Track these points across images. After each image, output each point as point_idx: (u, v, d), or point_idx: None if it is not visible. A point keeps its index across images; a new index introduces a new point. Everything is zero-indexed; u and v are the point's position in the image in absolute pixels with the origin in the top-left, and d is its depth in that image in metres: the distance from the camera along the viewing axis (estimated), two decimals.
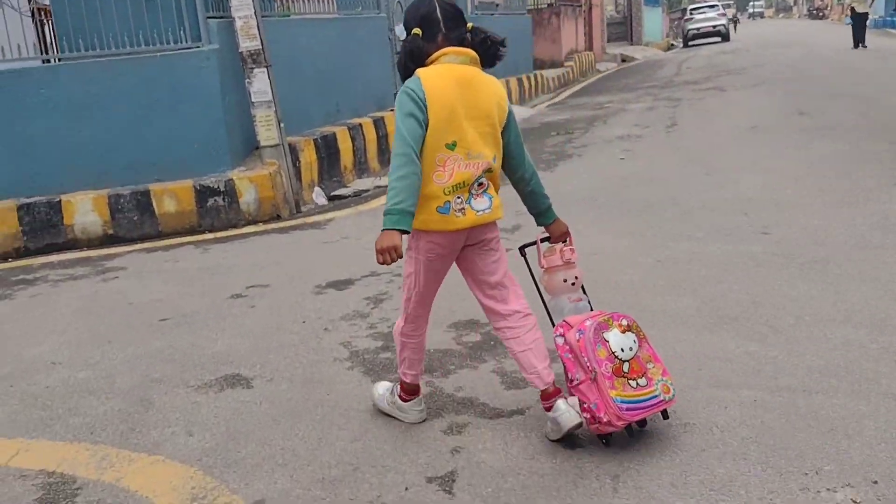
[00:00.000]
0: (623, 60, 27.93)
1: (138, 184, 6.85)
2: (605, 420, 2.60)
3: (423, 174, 2.53)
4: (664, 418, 2.75)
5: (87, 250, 6.50)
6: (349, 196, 8.11)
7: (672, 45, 38.84)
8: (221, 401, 3.34)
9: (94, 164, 6.81)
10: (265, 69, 7.20)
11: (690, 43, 35.75)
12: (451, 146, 2.55)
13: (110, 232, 6.73)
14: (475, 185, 2.60)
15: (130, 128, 6.86)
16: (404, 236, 2.48)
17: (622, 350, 2.64)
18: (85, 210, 6.71)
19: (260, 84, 7.24)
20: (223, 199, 6.85)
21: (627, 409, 2.58)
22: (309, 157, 7.93)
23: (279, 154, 7.33)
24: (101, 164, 6.82)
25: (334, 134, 8.48)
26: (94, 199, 6.71)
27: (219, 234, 6.52)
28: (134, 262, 5.93)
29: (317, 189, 8.07)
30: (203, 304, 4.64)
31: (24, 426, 3.24)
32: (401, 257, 2.46)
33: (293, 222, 6.71)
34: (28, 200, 6.63)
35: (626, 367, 2.63)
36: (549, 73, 18.29)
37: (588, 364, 2.63)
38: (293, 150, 7.61)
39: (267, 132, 7.30)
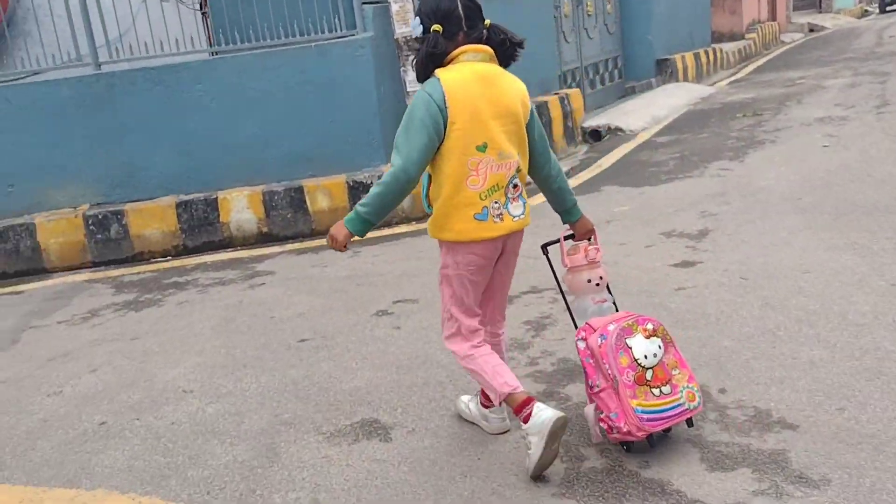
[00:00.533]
0: (811, 30, 25.30)
1: (292, 179, 6.57)
2: (624, 430, 2.48)
3: (455, 181, 2.43)
4: (689, 426, 2.60)
5: (240, 249, 6.28)
6: None
7: (866, 11, 34.99)
8: (355, 457, 2.81)
9: (248, 159, 6.59)
10: None
11: (888, 8, 32.00)
12: (482, 148, 2.43)
13: (265, 230, 6.49)
14: (510, 188, 2.50)
15: (284, 121, 6.57)
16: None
17: (645, 357, 2.50)
18: (240, 207, 6.51)
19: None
20: None
21: (649, 420, 2.46)
22: None
23: None
24: (255, 160, 6.59)
25: None
26: (248, 195, 6.49)
27: (370, 234, 6.06)
28: (282, 265, 5.61)
29: None
30: (346, 323, 4.17)
31: (140, 476, 2.86)
32: (343, 249, 2.54)
33: None
34: (186, 198, 6.50)
35: (649, 374, 2.50)
36: (729, 47, 16.69)
37: (609, 372, 2.50)
38: None
39: None
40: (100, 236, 6.40)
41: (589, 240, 2.79)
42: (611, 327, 2.55)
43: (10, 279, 6.25)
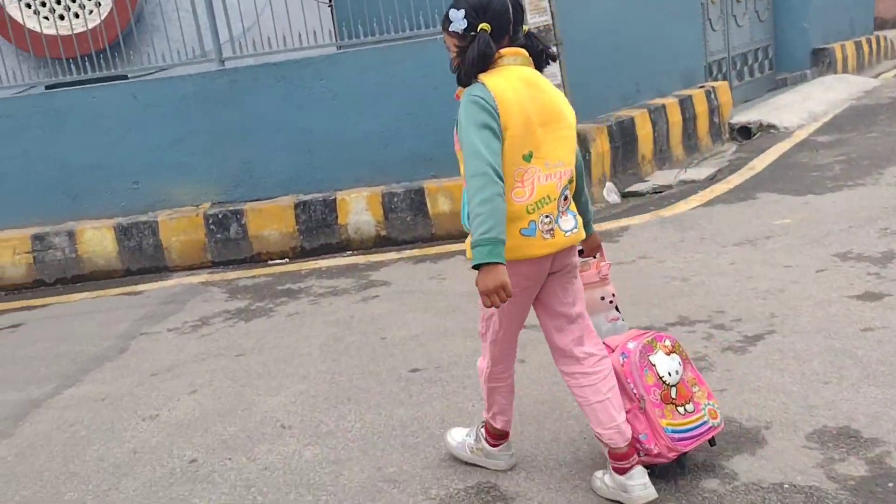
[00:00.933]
0: None
1: (412, 180, 6.17)
2: (655, 452, 2.34)
3: None
4: (711, 445, 2.47)
5: (357, 254, 5.94)
6: (646, 193, 6.76)
7: None
8: None
9: (368, 158, 6.24)
10: (555, 47, 6.08)
11: None
12: (528, 157, 2.21)
13: (383, 233, 6.13)
14: (562, 201, 2.28)
15: (407, 118, 6.17)
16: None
17: (669, 374, 2.40)
18: (359, 209, 6.17)
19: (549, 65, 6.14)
20: None
21: (679, 440, 2.34)
22: (601, 146, 6.70)
23: None
24: (375, 159, 6.23)
25: (632, 118, 7.15)
26: (367, 197, 6.14)
27: None
28: (399, 274, 5.20)
29: (608, 185, 6.84)
30: (463, 351, 3.68)
31: None
32: (510, 295, 2.09)
33: None
34: (305, 198, 6.23)
35: (673, 392, 2.39)
36: (894, 35, 15.02)
37: (635, 391, 2.37)
38: (583, 140, 6.44)
39: None
40: (219, 236, 6.23)
41: (594, 256, 2.63)
42: (631, 345, 2.42)
43: (133, 276, 6.20)
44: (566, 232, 2.28)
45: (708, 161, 7.76)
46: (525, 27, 2.31)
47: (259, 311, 4.82)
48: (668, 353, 2.42)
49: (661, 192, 6.74)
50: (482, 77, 2.20)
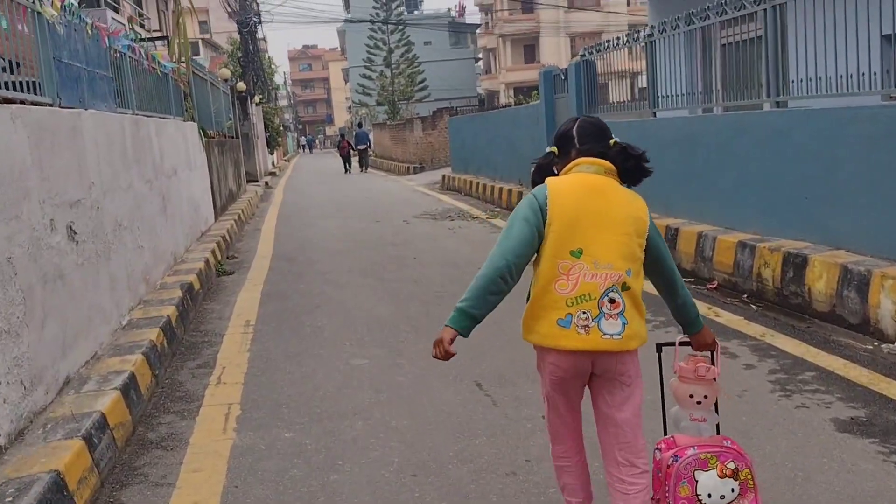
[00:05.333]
0: None
1: None
2: None
3: (543, 283, 2.34)
4: None
5: None
6: None
7: None
8: None
9: None
10: None
11: None
12: (577, 253, 2.32)
13: None
14: (606, 302, 2.30)
15: None
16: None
17: (709, 496, 2.33)
18: None
19: None
20: None
21: None
22: None
23: None
24: None
25: None
26: None
27: None
28: None
29: None
30: None
31: None
32: (446, 356, 2.33)
33: None
34: None
35: None
36: None
37: (667, 496, 2.38)
38: None
39: None
40: None
41: (712, 354, 2.59)
42: (689, 451, 2.39)
43: None
44: (605, 334, 2.28)
45: None
46: (612, 140, 2.46)
47: None
48: (722, 476, 2.32)
49: None
50: (549, 179, 2.46)
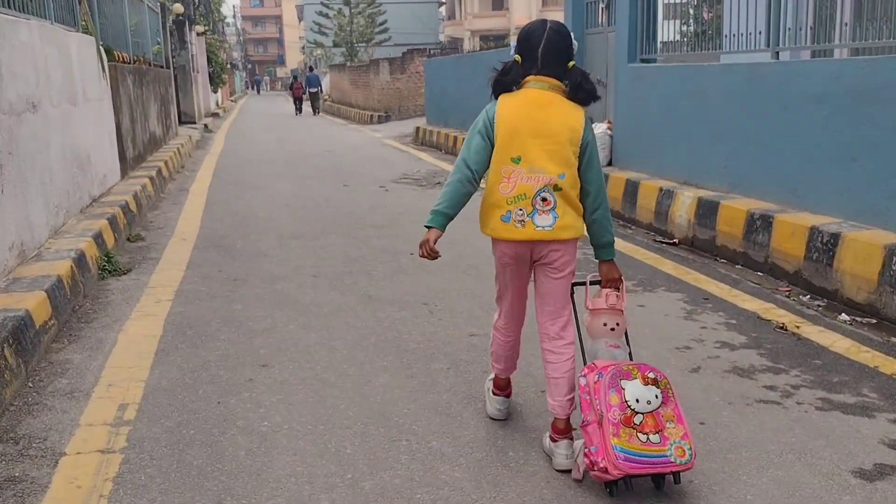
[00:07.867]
0: None
1: None
2: (601, 465, 2.42)
3: (490, 185, 2.67)
4: (675, 482, 2.46)
5: None
6: None
7: None
8: None
9: None
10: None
11: None
12: (516, 160, 2.62)
13: None
14: (539, 201, 2.62)
15: None
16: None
17: (637, 401, 2.44)
18: None
19: None
20: None
21: (625, 460, 2.37)
22: None
23: None
24: None
25: None
26: None
27: None
28: None
29: None
30: None
31: None
32: (432, 253, 2.66)
33: None
34: None
35: (638, 418, 2.43)
36: None
37: (598, 407, 2.47)
38: None
39: None
40: None
41: (617, 289, 2.77)
42: (610, 367, 2.52)
43: None
44: (538, 227, 2.62)
45: None
46: (571, 63, 2.65)
47: None
48: (645, 383, 2.46)
49: None
50: (502, 97, 2.69)
